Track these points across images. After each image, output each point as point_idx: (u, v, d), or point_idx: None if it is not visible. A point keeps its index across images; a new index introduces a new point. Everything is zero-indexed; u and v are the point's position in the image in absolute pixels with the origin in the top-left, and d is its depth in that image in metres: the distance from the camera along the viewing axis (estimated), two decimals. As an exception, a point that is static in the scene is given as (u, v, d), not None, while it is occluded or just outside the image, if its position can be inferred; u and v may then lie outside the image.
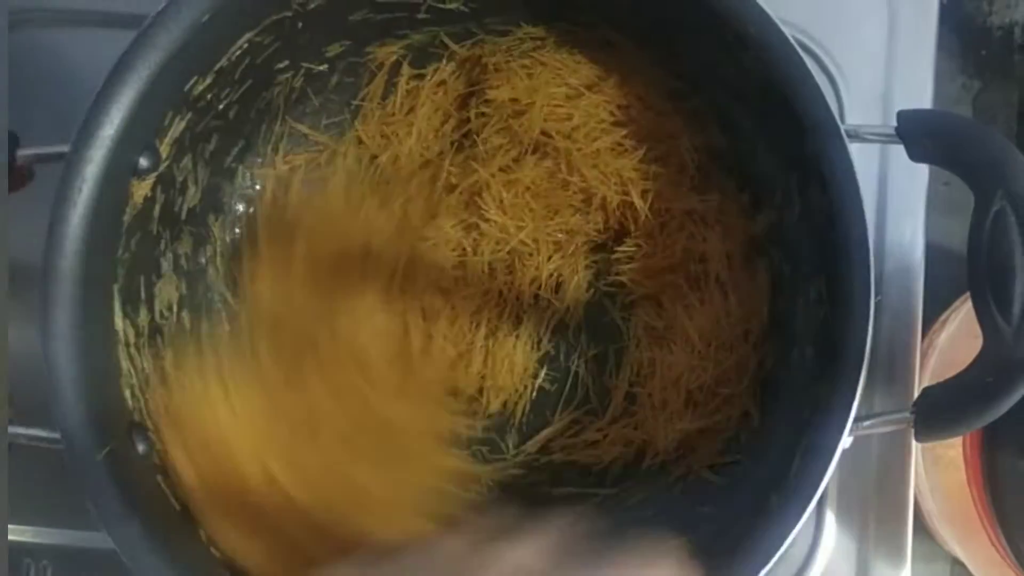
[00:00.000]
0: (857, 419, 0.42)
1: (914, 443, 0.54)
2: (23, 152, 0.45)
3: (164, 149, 0.48)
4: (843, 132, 0.41)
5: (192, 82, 0.47)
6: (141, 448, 0.46)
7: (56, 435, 0.43)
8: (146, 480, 0.46)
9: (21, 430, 0.43)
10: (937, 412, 0.42)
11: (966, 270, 0.41)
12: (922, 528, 0.59)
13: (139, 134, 0.45)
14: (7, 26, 0.56)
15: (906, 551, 0.54)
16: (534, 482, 0.54)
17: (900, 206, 0.56)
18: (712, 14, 0.43)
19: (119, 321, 0.47)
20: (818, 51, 0.57)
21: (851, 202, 0.41)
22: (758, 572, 0.42)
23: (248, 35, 0.48)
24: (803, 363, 0.48)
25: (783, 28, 0.42)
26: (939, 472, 0.58)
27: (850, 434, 0.42)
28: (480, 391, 0.55)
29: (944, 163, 0.42)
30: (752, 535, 0.43)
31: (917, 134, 0.41)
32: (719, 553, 0.47)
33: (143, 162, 0.47)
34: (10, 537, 0.55)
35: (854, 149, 0.51)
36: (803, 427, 0.43)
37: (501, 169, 0.54)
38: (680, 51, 0.51)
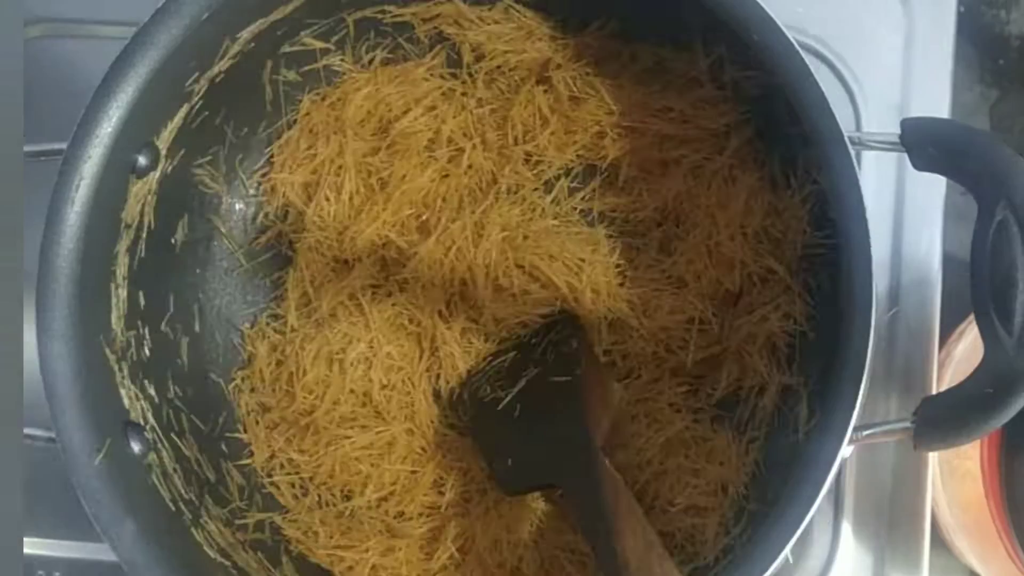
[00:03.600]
0: (857, 428, 0.42)
1: (931, 455, 0.54)
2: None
3: (163, 147, 0.47)
4: (847, 139, 0.41)
5: (192, 79, 0.47)
6: (136, 447, 0.46)
7: (51, 434, 0.43)
8: (141, 479, 0.45)
9: (17, 429, 0.43)
10: (937, 422, 0.42)
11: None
12: (939, 540, 0.59)
13: (138, 132, 0.45)
14: (22, 26, 0.56)
15: (923, 563, 0.54)
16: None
17: (917, 216, 0.56)
18: (716, 20, 0.43)
19: (116, 320, 0.47)
20: (835, 61, 0.57)
21: (853, 210, 0.40)
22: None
23: (249, 30, 0.48)
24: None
25: (789, 34, 0.42)
26: (956, 484, 0.58)
27: (850, 443, 0.42)
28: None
29: (948, 172, 0.41)
30: (749, 545, 0.43)
31: (921, 143, 0.41)
32: (720, 561, 0.47)
33: (142, 160, 0.46)
34: (24, 549, 0.55)
35: (870, 159, 0.50)
36: (804, 435, 0.43)
37: None
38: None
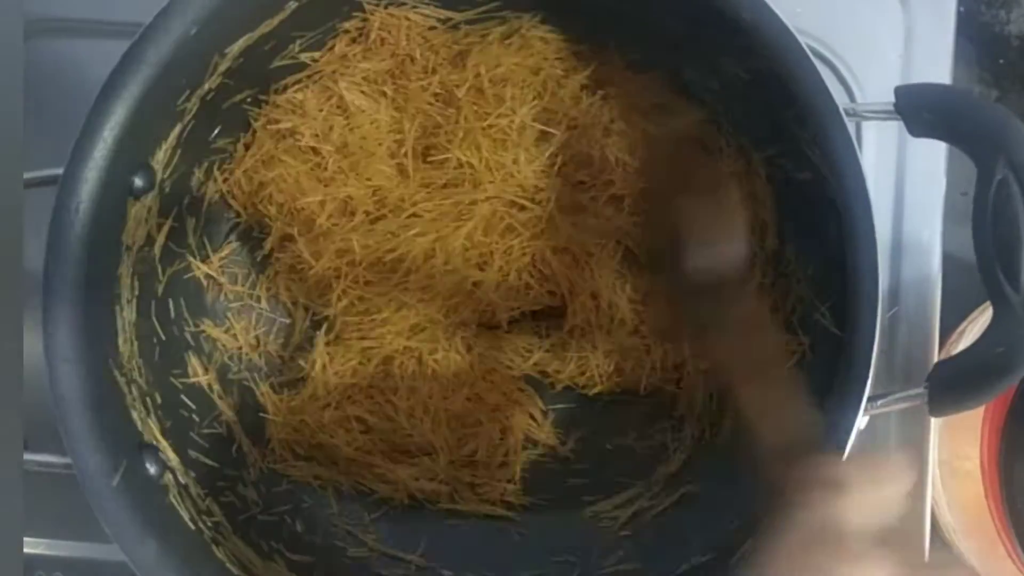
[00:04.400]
0: (871, 398, 0.42)
1: (932, 456, 0.54)
2: (19, 176, 0.44)
3: (159, 167, 0.47)
4: (841, 111, 0.41)
5: (183, 97, 0.47)
6: (152, 469, 0.45)
7: (66, 460, 0.42)
8: (159, 501, 0.45)
9: (31, 456, 0.43)
10: (950, 385, 0.42)
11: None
12: (939, 540, 0.59)
13: (133, 153, 0.45)
14: (22, 26, 0.56)
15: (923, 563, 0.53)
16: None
17: (917, 217, 0.56)
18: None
19: (123, 343, 0.46)
20: (835, 61, 0.57)
21: (853, 178, 0.41)
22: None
23: (238, 44, 0.48)
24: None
25: (783, 18, 0.42)
26: (956, 484, 0.58)
27: (865, 413, 0.42)
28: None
29: (944, 136, 0.42)
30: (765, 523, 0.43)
31: (916, 108, 0.41)
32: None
33: (139, 182, 0.46)
34: (24, 549, 0.55)
35: (869, 160, 0.50)
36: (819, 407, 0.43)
37: None
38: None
